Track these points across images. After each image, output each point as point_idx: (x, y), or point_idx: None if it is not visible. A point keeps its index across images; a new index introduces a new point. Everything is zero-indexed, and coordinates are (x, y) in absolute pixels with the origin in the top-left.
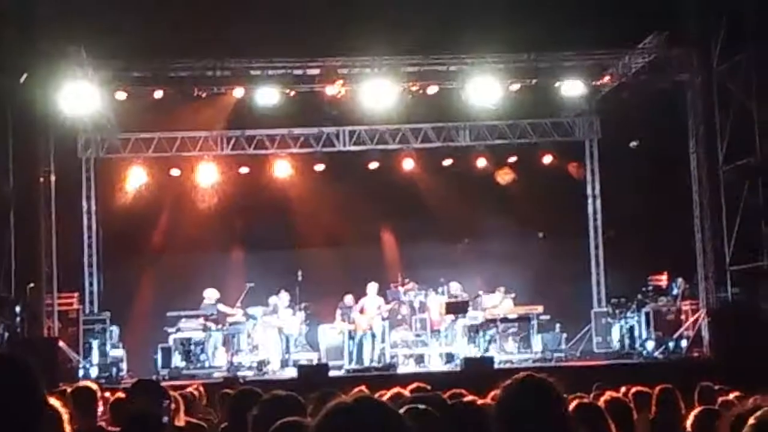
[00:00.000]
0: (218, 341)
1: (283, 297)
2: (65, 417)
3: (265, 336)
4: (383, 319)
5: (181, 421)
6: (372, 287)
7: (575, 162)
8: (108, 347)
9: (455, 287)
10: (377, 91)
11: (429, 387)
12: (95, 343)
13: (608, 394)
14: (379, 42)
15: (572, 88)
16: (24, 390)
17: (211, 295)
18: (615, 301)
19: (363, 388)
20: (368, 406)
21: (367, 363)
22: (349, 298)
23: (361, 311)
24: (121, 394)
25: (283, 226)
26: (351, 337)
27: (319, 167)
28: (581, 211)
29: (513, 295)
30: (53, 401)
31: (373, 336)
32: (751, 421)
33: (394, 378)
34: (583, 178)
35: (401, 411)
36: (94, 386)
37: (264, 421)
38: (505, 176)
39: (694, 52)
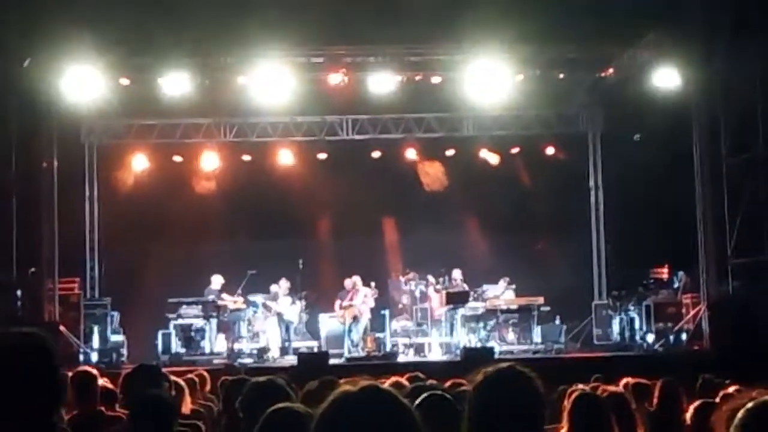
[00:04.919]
0: (218, 328)
1: (284, 285)
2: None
3: (265, 323)
4: (371, 308)
5: (186, 407)
6: (357, 278)
7: (578, 153)
8: (109, 332)
9: (457, 274)
10: (380, 81)
11: (423, 375)
12: (96, 329)
13: (604, 389)
14: (383, 31)
15: (576, 80)
16: (47, 365)
17: (217, 280)
18: (615, 293)
19: (331, 377)
20: (375, 395)
21: (354, 352)
22: (348, 282)
23: (350, 300)
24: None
25: (285, 214)
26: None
27: (322, 156)
28: (584, 202)
29: (514, 286)
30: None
31: (356, 323)
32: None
33: (394, 367)
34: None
35: (422, 398)
36: (94, 371)
37: (250, 407)
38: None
39: (699, 45)
